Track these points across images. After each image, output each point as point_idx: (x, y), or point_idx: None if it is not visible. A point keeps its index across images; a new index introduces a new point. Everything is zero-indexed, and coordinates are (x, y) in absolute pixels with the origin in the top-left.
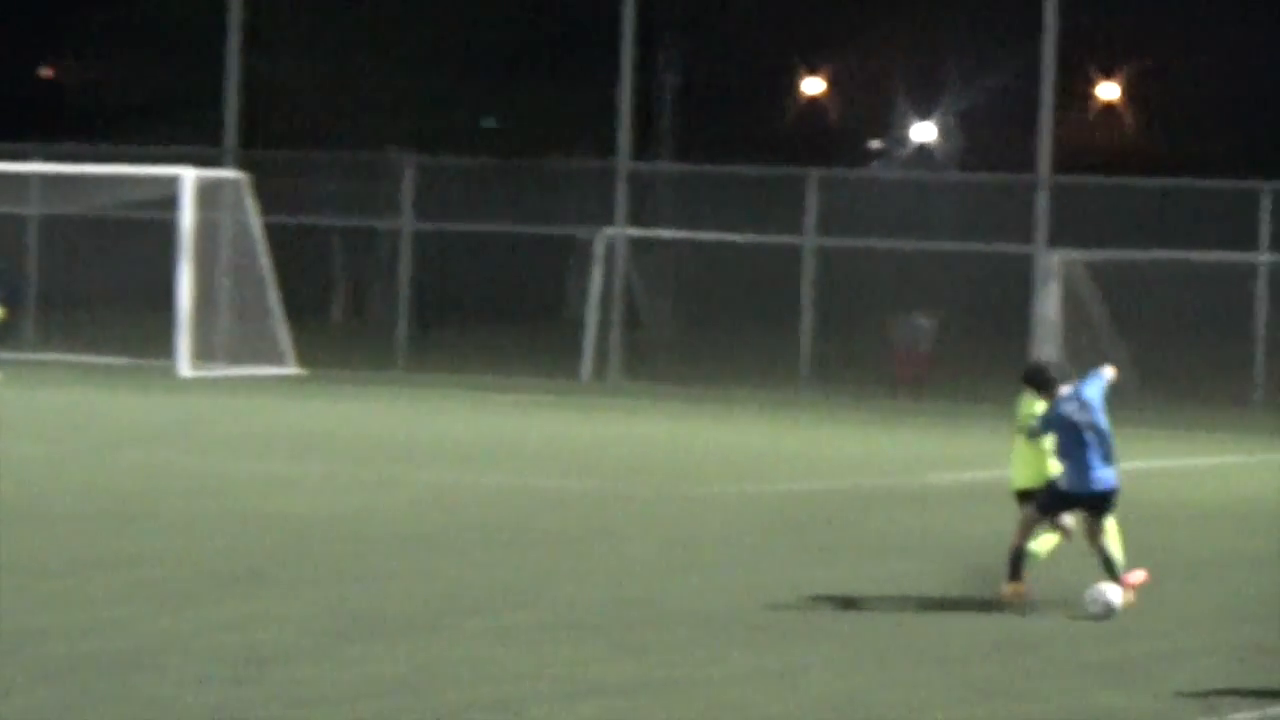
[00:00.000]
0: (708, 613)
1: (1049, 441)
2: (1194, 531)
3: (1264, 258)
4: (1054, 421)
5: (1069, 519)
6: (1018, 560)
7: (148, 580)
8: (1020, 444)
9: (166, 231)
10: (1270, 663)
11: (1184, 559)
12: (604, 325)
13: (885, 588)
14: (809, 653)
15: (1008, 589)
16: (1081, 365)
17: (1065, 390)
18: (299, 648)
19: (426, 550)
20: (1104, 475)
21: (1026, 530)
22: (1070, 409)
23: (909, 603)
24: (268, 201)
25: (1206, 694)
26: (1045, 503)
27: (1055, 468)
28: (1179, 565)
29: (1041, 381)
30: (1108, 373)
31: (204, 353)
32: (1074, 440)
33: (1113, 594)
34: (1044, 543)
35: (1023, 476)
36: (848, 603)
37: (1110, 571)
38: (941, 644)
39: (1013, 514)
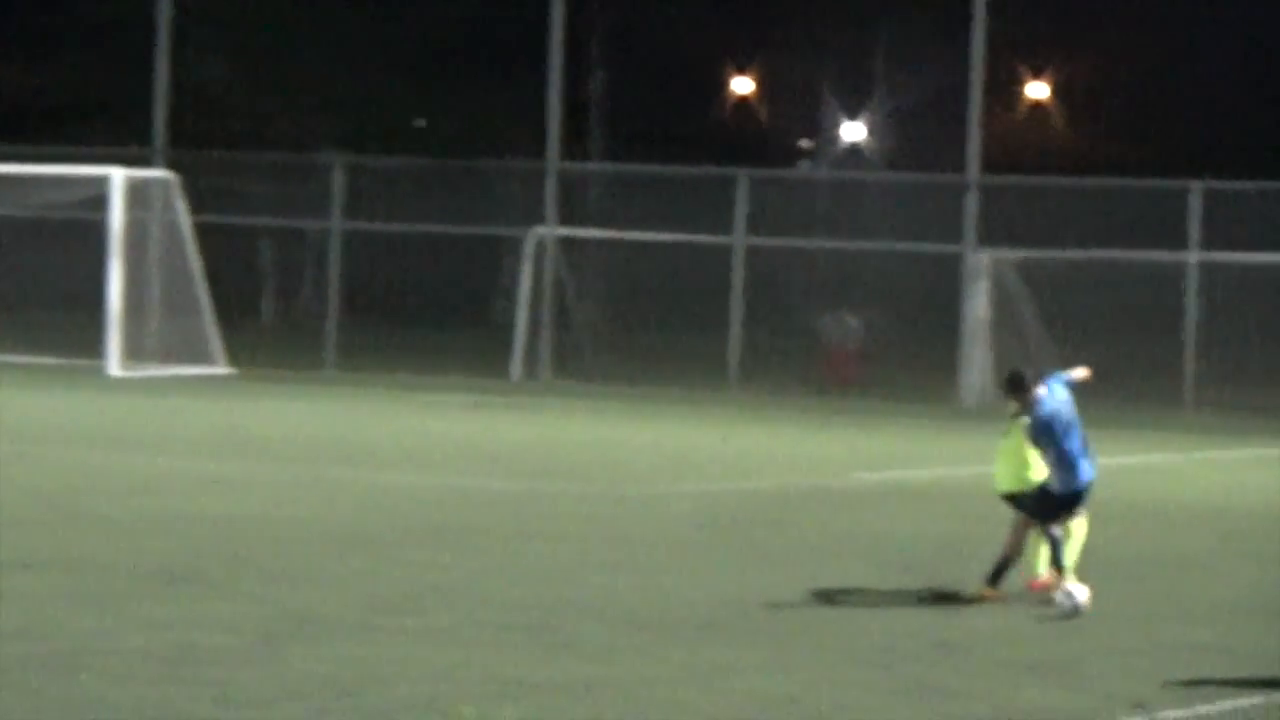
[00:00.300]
0: (639, 612)
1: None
2: (1125, 530)
3: (1193, 257)
4: (1046, 424)
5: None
6: (1003, 568)
7: (78, 581)
8: (1006, 445)
9: (96, 232)
10: (1201, 661)
11: (1116, 558)
12: (534, 325)
13: (817, 586)
14: (742, 652)
15: (986, 592)
16: (1010, 364)
17: (1041, 391)
18: (230, 648)
19: (357, 550)
20: (1089, 467)
21: (1019, 539)
22: (1053, 408)
23: (841, 601)
24: (197, 201)
25: (1137, 692)
26: (1044, 513)
27: (1041, 471)
28: (1110, 564)
29: (1023, 387)
30: (1079, 372)
31: (134, 353)
32: (1063, 437)
33: (1080, 593)
34: (1071, 553)
35: (1010, 479)
36: (780, 601)
37: (1055, 560)
38: (874, 643)
39: (946, 512)
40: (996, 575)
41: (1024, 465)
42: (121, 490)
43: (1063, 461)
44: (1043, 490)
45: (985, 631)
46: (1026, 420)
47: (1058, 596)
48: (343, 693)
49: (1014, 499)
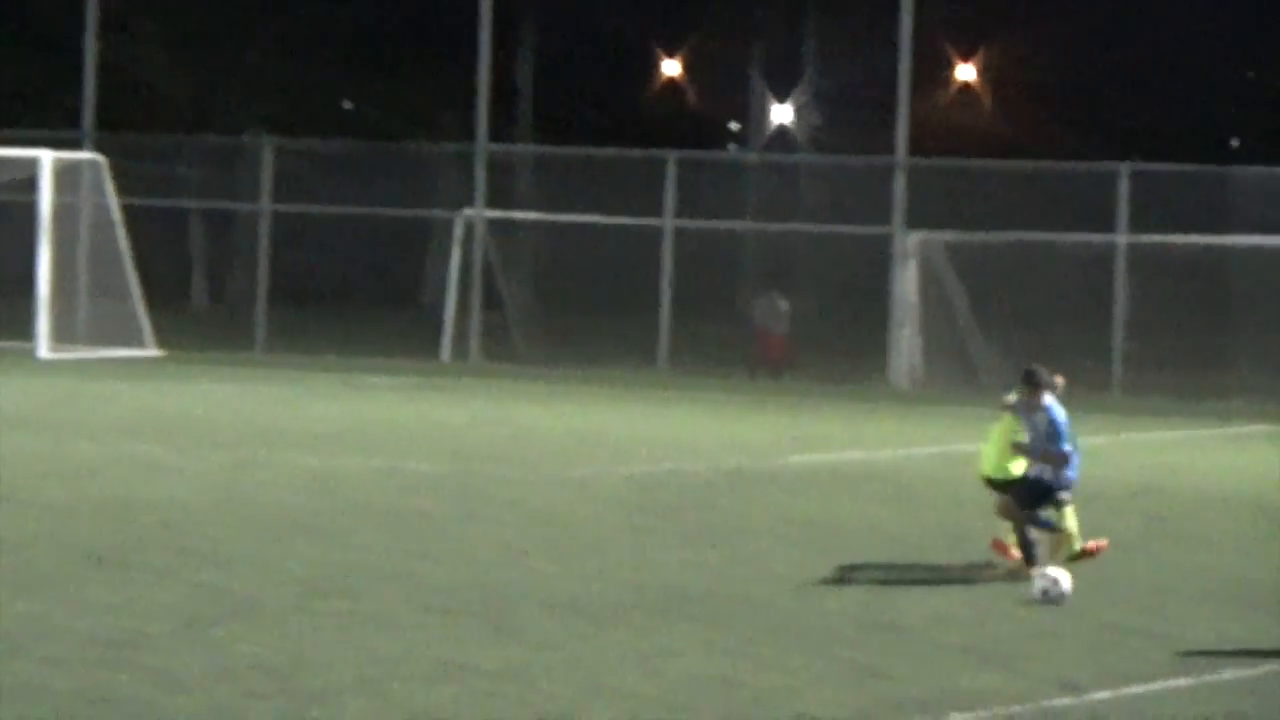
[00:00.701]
0: (574, 595)
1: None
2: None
3: (1122, 239)
4: (1065, 425)
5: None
6: (1028, 549)
7: (8, 564)
8: (996, 433)
9: (25, 214)
10: (1131, 643)
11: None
12: (463, 307)
13: (751, 569)
14: (677, 635)
15: (1032, 571)
16: (940, 347)
17: (1048, 397)
18: (163, 631)
19: (289, 534)
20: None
21: (1021, 523)
22: (1063, 411)
23: (775, 585)
24: (126, 184)
25: (1069, 675)
26: (1030, 500)
27: (1020, 466)
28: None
29: (1038, 383)
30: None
31: (63, 335)
32: (1065, 438)
33: (1064, 579)
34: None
35: (994, 466)
36: (716, 584)
37: (1026, 556)
38: (810, 626)
39: (877, 494)
40: (1028, 556)
41: (1008, 456)
42: (51, 473)
43: (1065, 459)
44: (1034, 480)
45: (921, 615)
46: (1016, 413)
47: (1038, 582)
48: (277, 676)
49: (994, 484)
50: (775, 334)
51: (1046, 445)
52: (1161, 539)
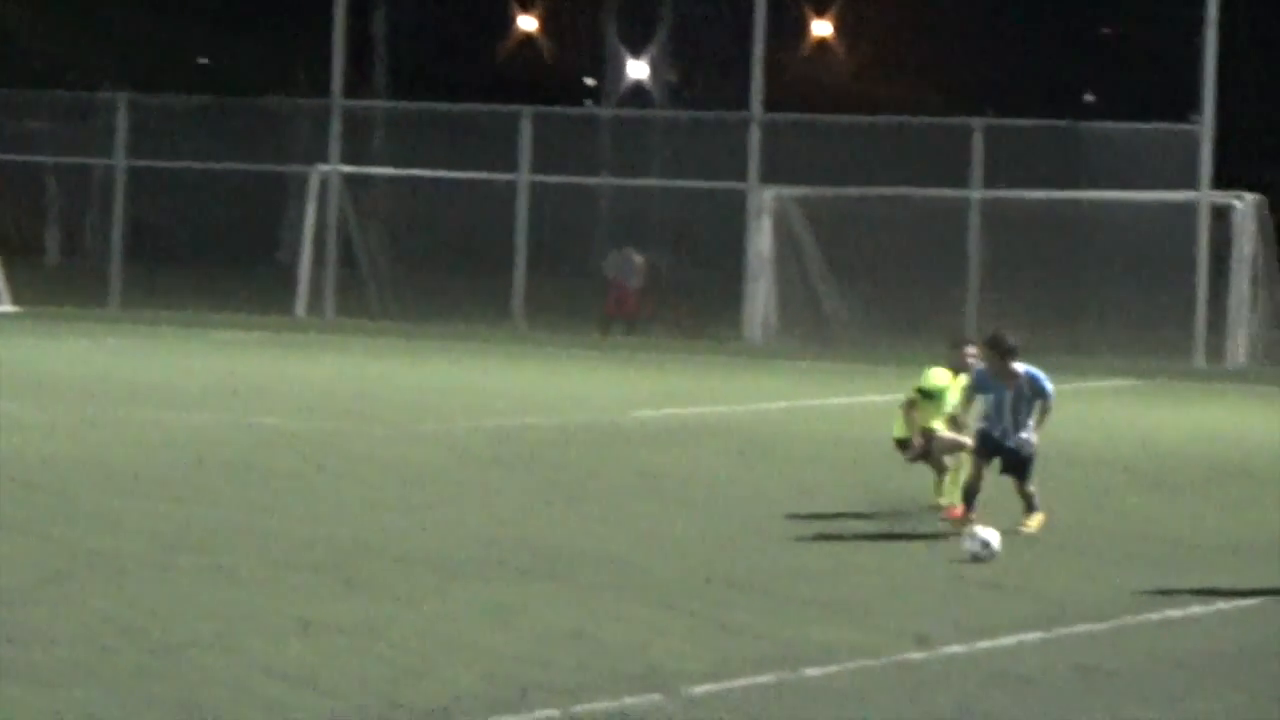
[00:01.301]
0: (427, 549)
1: (980, 403)
2: (905, 468)
3: (976, 194)
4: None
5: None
6: (971, 496)
7: None
8: (920, 398)
9: None
10: (982, 597)
11: (897, 494)
12: (319, 262)
13: (601, 524)
14: (530, 589)
15: (970, 517)
16: (794, 301)
17: (1019, 367)
18: (16, 588)
19: (145, 489)
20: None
21: (977, 470)
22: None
23: (628, 539)
24: None
25: (921, 628)
26: (982, 449)
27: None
28: (893, 500)
29: (1015, 348)
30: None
31: None
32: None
33: (992, 536)
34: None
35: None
36: (567, 538)
37: (967, 501)
38: (658, 580)
39: (730, 449)
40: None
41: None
42: None
43: (1019, 420)
44: (988, 434)
45: (771, 569)
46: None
47: (968, 544)
48: (132, 631)
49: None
50: (628, 288)
51: (1018, 415)
52: (1012, 493)
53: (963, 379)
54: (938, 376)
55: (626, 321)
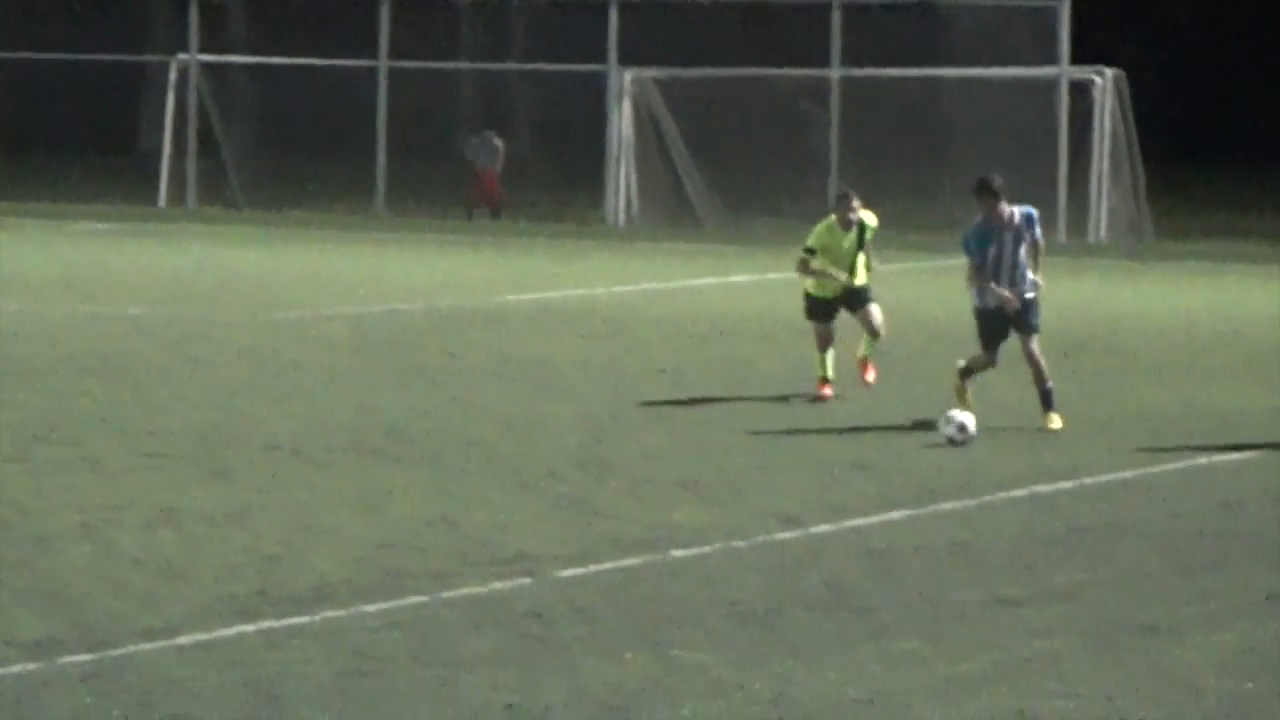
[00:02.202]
0: (293, 437)
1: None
2: (777, 348)
3: (835, 73)
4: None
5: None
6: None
7: None
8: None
9: None
10: (849, 478)
11: (762, 374)
12: (179, 152)
13: (466, 409)
14: (394, 476)
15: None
16: (655, 184)
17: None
18: None
19: (4, 381)
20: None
21: (988, 362)
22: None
23: (492, 424)
24: None
25: (789, 509)
26: (989, 338)
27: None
28: (757, 380)
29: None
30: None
31: None
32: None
33: (969, 419)
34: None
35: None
36: (433, 424)
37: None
38: (524, 464)
39: (593, 332)
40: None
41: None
42: None
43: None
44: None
45: (636, 452)
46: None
47: (945, 428)
48: None
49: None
50: (490, 172)
51: (1017, 257)
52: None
53: (853, 233)
54: (816, 233)
55: (490, 206)
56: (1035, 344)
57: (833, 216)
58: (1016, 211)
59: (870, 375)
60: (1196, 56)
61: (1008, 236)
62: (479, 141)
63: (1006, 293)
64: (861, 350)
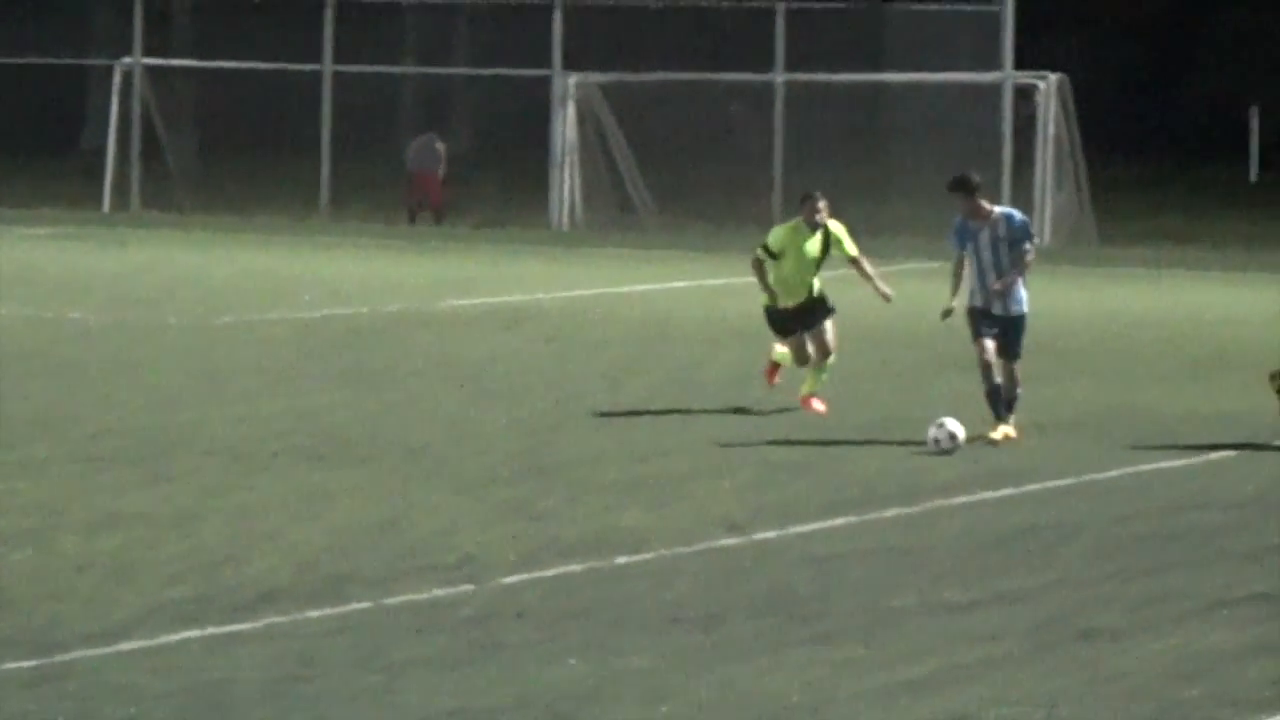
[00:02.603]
0: (235, 441)
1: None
2: (711, 351)
3: (780, 77)
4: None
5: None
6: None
7: None
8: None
9: None
10: (793, 483)
11: (705, 378)
12: (123, 155)
13: (409, 413)
14: (337, 480)
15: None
16: (600, 190)
17: (993, 206)
18: None
19: None
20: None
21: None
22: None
23: (435, 428)
24: None
25: (732, 514)
26: (980, 334)
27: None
28: (700, 384)
29: (970, 189)
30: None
31: None
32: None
33: (959, 429)
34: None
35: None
36: (376, 428)
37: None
38: (467, 469)
39: (537, 336)
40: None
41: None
42: None
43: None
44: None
45: (579, 457)
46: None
47: (933, 429)
48: None
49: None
50: (432, 176)
51: (998, 255)
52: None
53: (818, 236)
54: (777, 234)
55: (433, 210)
56: (1017, 368)
57: (798, 217)
58: (1000, 214)
59: (819, 406)
60: (1138, 59)
61: (984, 236)
62: (420, 145)
63: (998, 285)
64: (807, 385)
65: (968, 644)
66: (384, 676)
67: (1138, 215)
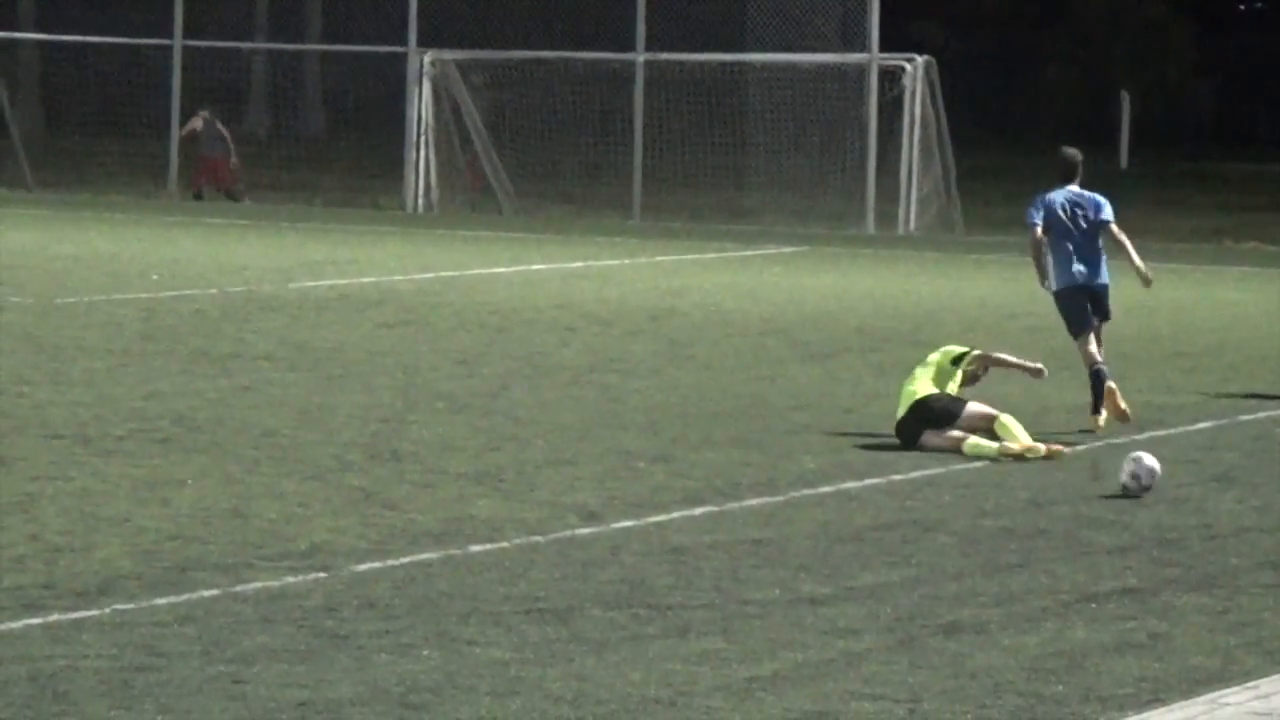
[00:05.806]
0: (78, 425)
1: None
2: (568, 337)
3: (640, 57)
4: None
5: None
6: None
7: None
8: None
9: None
10: (650, 471)
11: (558, 364)
12: None
13: (258, 398)
14: (183, 464)
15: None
16: (455, 169)
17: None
18: None
19: None
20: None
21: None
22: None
23: (283, 412)
24: None
25: (587, 504)
26: (1080, 321)
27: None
28: (556, 371)
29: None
30: None
31: None
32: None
33: (1153, 460)
34: None
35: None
36: (221, 413)
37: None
38: (317, 455)
39: (389, 319)
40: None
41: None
42: None
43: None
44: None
45: (433, 443)
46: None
47: (1129, 463)
48: None
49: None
50: (217, 158)
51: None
52: (675, 362)
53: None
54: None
55: (226, 193)
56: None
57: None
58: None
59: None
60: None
61: (1078, 214)
62: (204, 125)
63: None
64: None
65: (829, 638)
66: (232, 666)
67: (1004, 201)
